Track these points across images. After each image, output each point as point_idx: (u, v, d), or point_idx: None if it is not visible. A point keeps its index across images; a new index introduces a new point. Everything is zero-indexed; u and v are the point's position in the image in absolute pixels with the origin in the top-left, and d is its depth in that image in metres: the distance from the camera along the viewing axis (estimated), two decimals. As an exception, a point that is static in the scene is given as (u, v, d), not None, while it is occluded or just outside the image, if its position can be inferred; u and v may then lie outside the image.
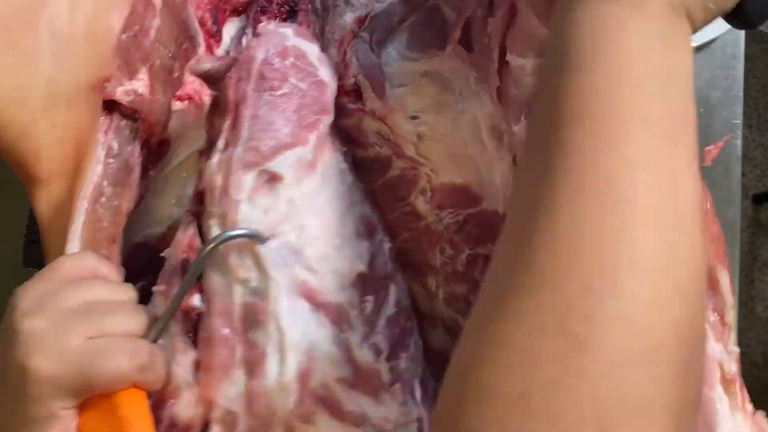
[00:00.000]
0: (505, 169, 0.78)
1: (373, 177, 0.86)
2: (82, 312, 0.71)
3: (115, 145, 0.81)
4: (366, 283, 0.78)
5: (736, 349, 0.71)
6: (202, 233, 0.77)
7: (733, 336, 0.71)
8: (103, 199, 0.80)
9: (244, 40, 0.93)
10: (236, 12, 0.98)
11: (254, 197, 0.75)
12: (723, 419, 0.70)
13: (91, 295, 0.73)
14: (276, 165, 0.75)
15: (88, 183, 0.80)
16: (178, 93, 0.91)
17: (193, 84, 0.92)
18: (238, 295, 0.74)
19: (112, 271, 0.77)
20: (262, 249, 0.73)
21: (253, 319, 0.73)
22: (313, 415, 0.72)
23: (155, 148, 0.86)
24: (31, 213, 1.12)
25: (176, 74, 0.89)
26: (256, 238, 0.73)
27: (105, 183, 0.80)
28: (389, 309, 0.79)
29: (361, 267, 0.78)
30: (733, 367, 0.70)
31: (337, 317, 0.75)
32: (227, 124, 0.76)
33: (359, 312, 0.76)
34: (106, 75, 0.81)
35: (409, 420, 0.76)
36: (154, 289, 0.78)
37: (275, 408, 0.72)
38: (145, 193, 0.88)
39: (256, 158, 0.75)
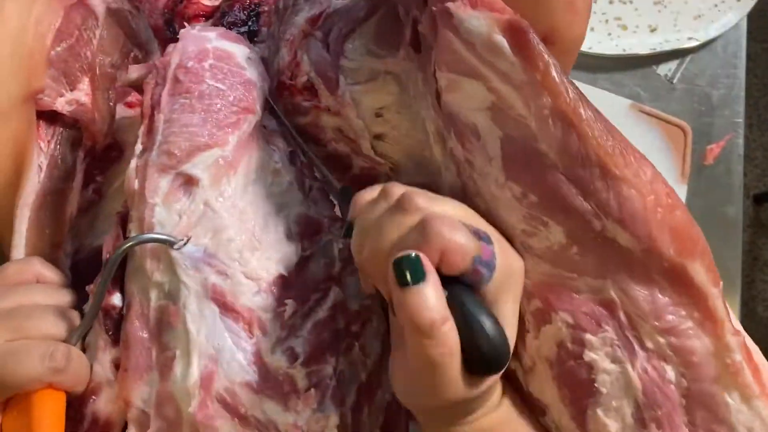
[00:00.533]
0: (450, 178, 0.74)
1: (339, 174, 0.86)
2: (7, 315, 0.73)
3: (58, 154, 0.84)
4: (287, 286, 0.77)
5: (738, 338, 0.64)
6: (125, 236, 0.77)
7: (730, 325, 0.64)
8: (46, 206, 0.82)
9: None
10: (199, 17, 0.99)
11: (169, 201, 0.75)
12: (738, 413, 0.64)
13: (27, 299, 0.75)
14: (191, 168, 0.75)
15: (28, 192, 0.82)
16: (129, 99, 0.92)
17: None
18: (154, 298, 0.75)
19: (56, 275, 0.79)
20: (174, 253, 0.73)
21: (165, 321, 0.74)
22: (215, 419, 0.72)
23: (101, 155, 0.88)
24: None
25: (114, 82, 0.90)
26: (167, 242, 0.73)
27: (47, 190, 0.82)
28: (320, 313, 0.77)
29: (281, 270, 0.77)
30: (737, 357, 0.64)
31: (248, 321, 0.74)
32: (143, 129, 0.77)
33: (275, 316, 0.75)
34: (38, 87, 0.83)
35: (325, 427, 0.74)
36: (87, 288, 0.79)
37: (180, 412, 0.72)
38: (98, 199, 0.90)
39: (170, 161, 0.75)
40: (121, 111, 0.92)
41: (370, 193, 0.69)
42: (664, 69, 1.25)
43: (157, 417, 0.73)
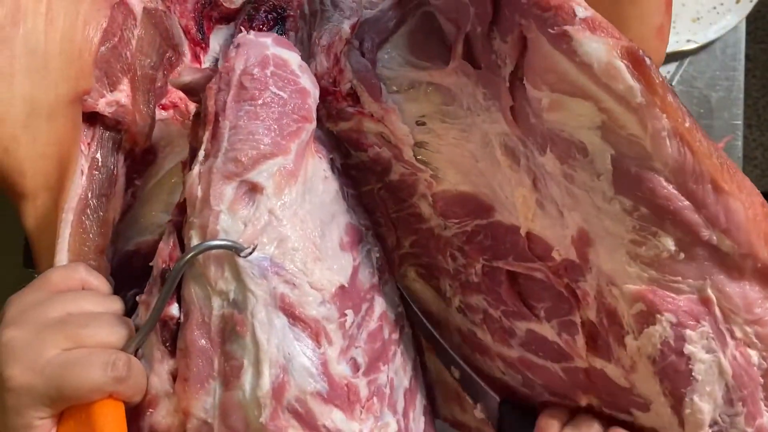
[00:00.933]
0: (525, 191, 0.77)
1: (374, 179, 0.87)
2: (61, 323, 0.71)
3: (99, 157, 0.82)
4: (346, 297, 0.77)
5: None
6: (183, 244, 0.76)
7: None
8: (89, 211, 0.80)
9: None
10: (224, 20, 0.98)
11: (234, 208, 0.74)
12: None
13: (76, 307, 0.73)
14: (256, 175, 0.74)
15: (72, 195, 0.80)
16: (163, 102, 0.91)
17: (177, 92, 0.92)
18: (217, 306, 0.73)
19: (101, 282, 0.77)
20: (241, 261, 0.72)
21: (230, 331, 0.73)
22: (286, 429, 0.71)
23: (140, 158, 0.86)
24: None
25: (159, 84, 0.89)
26: (234, 249, 0.72)
27: (90, 194, 0.81)
28: (372, 323, 0.79)
29: (342, 281, 0.77)
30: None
31: (315, 332, 0.74)
32: (207, 135, 0.76)
33: (338, 326, 0.75)
34: (86, 88, 0.81)
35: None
36: (138, 299, 0.78)
37: (249, 421, 0.72)
38: (134, 202, 0.88)
39: (236, 169, 0.74)
40: (156, 113, 0.90)
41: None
42: (663, 71, 1.25)
43: (222, 427, 0.72)
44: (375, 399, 0.76)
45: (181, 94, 0.91)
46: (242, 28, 0.94)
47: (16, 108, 0.79)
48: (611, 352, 0.75)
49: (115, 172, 0.82)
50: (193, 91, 0.80)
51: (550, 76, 0.68)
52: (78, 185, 0.80)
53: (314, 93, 0.80)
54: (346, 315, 0.77)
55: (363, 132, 0.86)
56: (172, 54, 0.91)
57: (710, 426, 0.71)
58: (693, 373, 0.70)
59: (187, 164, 0.79)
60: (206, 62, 0.97)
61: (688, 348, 0.69)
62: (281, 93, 0.77)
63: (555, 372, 0.81)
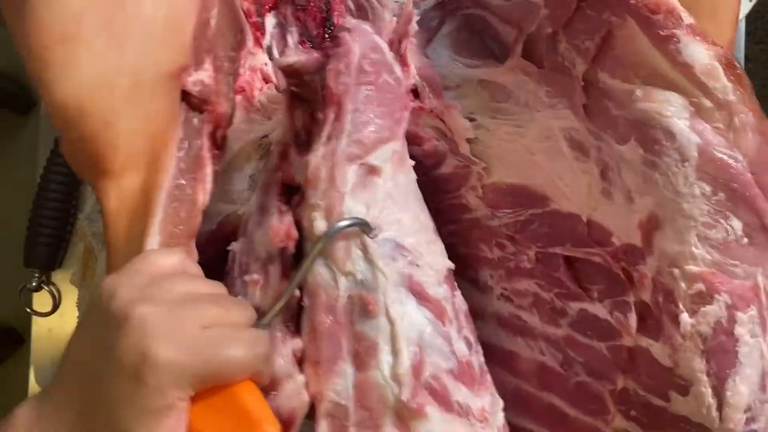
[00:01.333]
0: (593, 180, 0.83)
1: (422, 172, 0.87)
2: (193, 301, 0.67)
3: (187, 138, 0.77)
4: (450, 277, 0.80)
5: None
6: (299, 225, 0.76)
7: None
8: (178, 192, 0.76)
9: (289, 38, 0.91)
10: (273, 6, 0.97)
11: (356, 191, 0.75)
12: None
13: (192, 288, 0.69)
14: (375, 159, 0.76)
15: (166, 177, 0.76)
16: (236, 86, 0.87)
17: (243, 76, 0.90)
18: (344, 287, 0.74)
19: (197, 267, 0.74)
20: (371, 241, 0.73)
21: (360, 311, 0.73)
22: (425, 406, 0.73)
23: (220, 143, 0.82)
24: (32, 214, 1.05)
25: (235, 65, 0.86)
26: (367, 228, 0.73)
27: (180, 177, 0.76)
28: (462, 303, 0.82)
29: (449, 263, 0.80)
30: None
31: (439, 311, 0.76)
32: (331, 116, 0.76)
33: (452, 307, 0.78)
34: (184, 63, 0.77)
35: (498, 411, 0.79)
36: (247, 278, 0.77)
37: (387, 400, 0.72)
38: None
39: (358, 151, 0.75)
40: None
41: None
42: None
43: (359, 408, 0.72)
44: (486, 376, 0.78)
45: (248, 78, 0.88)
46: (298, 18, 0.92)
47: (123, 78, 0.73)
48: (661, 331, 0.81)
49: (202, 154, 0.77)
50: (297, 73, 0.79)
51: (642, 70, 0.76)
52: (173, 166, 0.75)
53: (405, 82, 0.82)
54: (455, 296, 0.79)
55: (420, 125, 0.89)
56: (241, 36, 0.89)
57: (744, 411, 0.77)
58: (738, 355, 0.76)
59: (292, 147, 0.79)
60: (265, 46, 0.95)
61: (738, 330, 0.76)
62: (390, 80, 0.78)
63: (599, 350, 0.87)
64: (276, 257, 0.76)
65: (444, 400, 0.74)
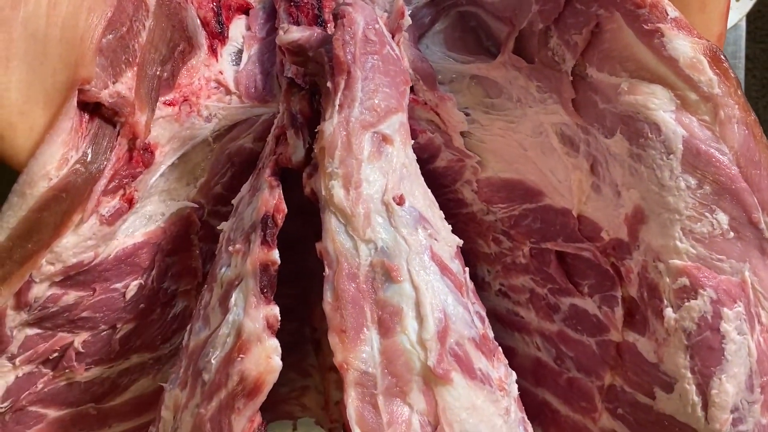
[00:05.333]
0: (583, 175, 0.84)
1: (421, 164, 0.87)
2: None
3: (90, 151, 0.78)
4: (460, 255, 0.80)
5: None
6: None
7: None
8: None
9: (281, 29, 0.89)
10: (241, 10, 0.96)
11: (372, 159, 0.75)
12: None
13: None
14: (387, 128, 0.76)
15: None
16: (169, 97, 0.88)
17: (189, 87, 0.89)
18: (365, 255, 0.73)
19: None
20: (397, 210, 0.74)
21: (383, 279, 0.73)
22: (450, 372, 0.72)
23: (139, 156, 0.84)
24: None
25: (165, 76, 0.86)
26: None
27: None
28: (471, 283, 0.82)
29: (458, 239, 0.80)
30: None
31: (458, 283, 0.76)
32: (341, 84, 0.76)
33: (464, 281, 0.78)
34: (85, 76, 0.77)
35: (511, 381, 0.79)
36: (230, 248, 0.77)
37: (413, 366, 0.71)
38: (129, 207, 0.85)
39: (371, 119, 0.76)
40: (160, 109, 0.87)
41: None
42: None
43: (386, 375, 0.71)
44: (499, 349, 0.79)
45: (196, 89, 0.89)
46: (291, 14, 0.91)
47: (12, 93, 0.75)
48: (647, 326, 0.82)
49: (100, 170, 0.79)
50: (301, 48, 0.79)
51: (629, 63, 0.78)
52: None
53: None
54: (465, 271, 0.80)
55: (415, 119, 0.90)
56: (186, 47, 0.88)
57: (731, 411, 0.77)
58: (725, 353, 0.77)
59: (288, 128, 0.81)
60: (224, 55, 0.94)
61: (724, 326, 0.77)
62: (392, 53, 0.79)
63: (589, 345, 0.88)
64: (258, 225, 0.75)
65: (468, 368, 0.73)
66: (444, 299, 0.73)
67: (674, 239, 0.78)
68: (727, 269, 0.77)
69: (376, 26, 0.79)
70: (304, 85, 0.84)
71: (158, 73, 0.84)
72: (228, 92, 0.92)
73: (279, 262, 0.74)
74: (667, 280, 0.78)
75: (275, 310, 0.73)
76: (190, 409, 0.75)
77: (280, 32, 0.80)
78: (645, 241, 0.80)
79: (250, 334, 0.71)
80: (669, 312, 0.78)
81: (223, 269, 0.77)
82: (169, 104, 0.87)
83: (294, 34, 0.79)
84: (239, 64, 0.94)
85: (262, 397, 0.71)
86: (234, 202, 0.84)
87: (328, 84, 0.77)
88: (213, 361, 0.74)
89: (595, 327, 0.87)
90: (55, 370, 0.87)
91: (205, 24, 0.91)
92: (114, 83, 0.78)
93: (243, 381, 0.70)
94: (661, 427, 0.82)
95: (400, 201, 0.74)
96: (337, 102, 0.75)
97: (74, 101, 0.76)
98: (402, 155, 0.76)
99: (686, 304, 0.77)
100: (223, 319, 0.75)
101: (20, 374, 0.84)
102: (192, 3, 0.89)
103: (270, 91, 0.93)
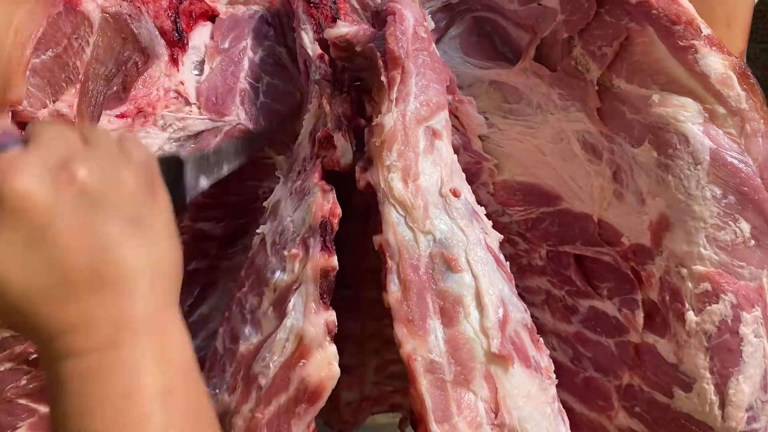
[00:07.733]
0: (605, 182, 0.86)
1: None
2: None
3: None
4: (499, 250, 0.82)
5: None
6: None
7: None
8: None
9: (304, 35, 0.89)
10: (205, 17, 0.97)
11: (426, 152, 0.76)
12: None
13: None
14: (436, 123, 0.77)
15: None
16: (121, 109, 0.88)
17: (147, 97, 0.90)
18: (424, 246, 0.74)
19: None
20: (456, 202, 0.75)
21: (442, 269, 0.74)
22: (512, 357, 0.73)
23: None
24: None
25: (115, 89, 0.86)
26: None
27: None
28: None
29: (499, 234, 0.81)
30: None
31: (508, 275, 0.78)
32: (397, 78, 0.77)
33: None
34: (15, 98, 0.75)
35: (552, 371, 0.80)
36: (286, 253, 0.77)
37: (476, 354, 0.72)
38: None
39: (425, 113, 0.77)
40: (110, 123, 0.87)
41: None
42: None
43: (452, 362, 0.72)
44: (541, 339, 0.80)
45: (153, 99, 0.90)
46: (312, 15, 0.91)
47: None
48: (667, 328, 0.84)
49: None
50: (348, 44, 0.80)
51: (660, 77, 0.81)
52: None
53: (441, 58, 0.85)
54: (507, 264, 0.81)
55: None
56: (140, 58, 0.88)
57: (746, 410, 0.80)
58: (743, 354, 0.80)
59: (333, 133, 0.81)
60: (186, 62, 0.94)
61: (742, 329, 0.80)
62: (436, 50, 0.81)
63: (607, 346, 0.89)
64: (317, 231, 0.76)
65: (523, 355, 0.75)
66: (501, 288, 0.75)
67: (699, 246, 0.80)
68: (747, 275, 0.80)
69: (425, 23, 0.80)
70: (336, 85, 0.84)
71: (103, 88, 0.83)
72: (187, 103, 0.93)
73: (338, 267, 0.75)
74: (690, 284, 0.80)
75: (333, 315, 0.74)
76: (243, 414, 0.76)
77: (327, 28, 0.81)
78: (668, 247, 0.82)
79: (311, 339, 0.73)
80: (690, 315, 0.80)
81: (277, 273, 0.77)
82: (121, 116, 0.88)
83: (342, 29, 0.80)
84: (202, 74, 0.94)
85: (321, 402, 0.73)
86: (266, 204, 0.85)
87: (382, 78, 0.77)
88: (271, 366, 0.74)
89: (615, 328, 0.89)
90: (38, 368, 0.84)
91: (163, 33, 0.92)
92: (54, 102, 0.77)
93: (305, 386, 0.72)
94: (677, 424, 0.84)
95: (456, 193, 0.75)
96: (393, 96, 0.76)
97: (7, 122, 0.74)
98: (450, 150, 0.77)
99: (708, 308, 0.80)
100: (280, 324, 0.75)
101: (2, 369, 0.83)
102: (147, 14, 0.89)
103: (229, 106, 0.94)
